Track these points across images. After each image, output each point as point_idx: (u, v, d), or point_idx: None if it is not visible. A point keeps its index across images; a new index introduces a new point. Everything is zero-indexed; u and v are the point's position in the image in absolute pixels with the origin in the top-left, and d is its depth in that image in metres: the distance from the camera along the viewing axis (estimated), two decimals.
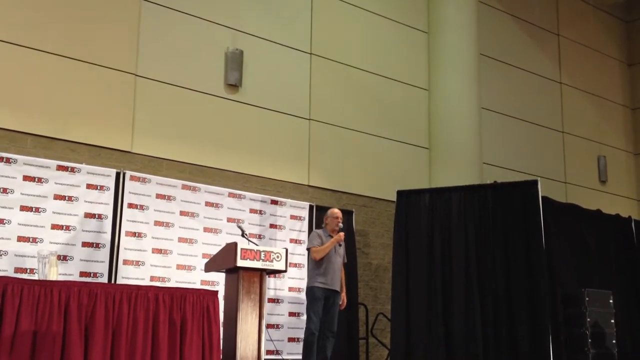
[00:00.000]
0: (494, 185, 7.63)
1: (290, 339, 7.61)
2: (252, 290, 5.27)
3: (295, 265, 7.78)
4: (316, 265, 6.70)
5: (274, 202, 7.87)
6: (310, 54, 8.89)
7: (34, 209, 6.27)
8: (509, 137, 10.86)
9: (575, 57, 12.36)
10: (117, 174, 6.79)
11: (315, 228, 7.65)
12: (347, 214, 8.31)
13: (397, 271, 7.67)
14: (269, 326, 7.13)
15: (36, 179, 6.32)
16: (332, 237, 6.81)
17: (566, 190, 11.43)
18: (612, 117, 12.85)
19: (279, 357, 7.31)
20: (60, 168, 6.48)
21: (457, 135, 9.60)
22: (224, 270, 5.50)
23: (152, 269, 6.83)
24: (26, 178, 6.26)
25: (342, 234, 6.80)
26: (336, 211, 7.00)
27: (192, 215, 7.21)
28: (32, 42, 6.77)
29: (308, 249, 6.89)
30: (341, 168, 8.92)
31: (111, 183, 6.73)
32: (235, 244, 5.23)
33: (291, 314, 7.70)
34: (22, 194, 6.23)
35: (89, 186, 6.60)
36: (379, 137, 9.34)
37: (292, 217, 7.99)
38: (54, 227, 6.35)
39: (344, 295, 6.91)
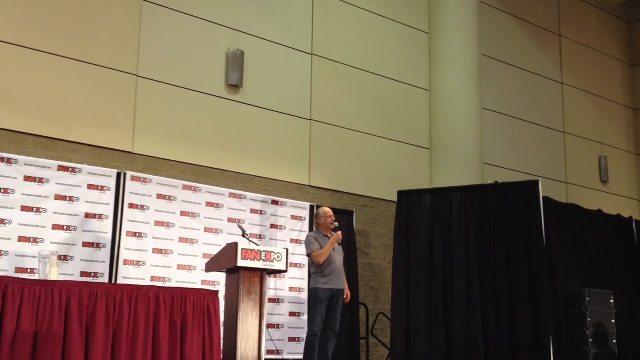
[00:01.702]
0: (495, 186, 7.62)
1: (291, 339, 7.62)
2: (253, 290, 5.28)
3: (295, 265, 7.78)
4: (319, 268, 6.65)
5: (275, 203, 7.87)
6: (312, 54, 8.90)
7: (34, 209, 6.27)
8: (510, 137, 10.85)
9: (577, 58, 12.35)
10: (118, 175, 6.79)
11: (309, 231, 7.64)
12: (347, 214, 8.33)
13: (397, 271, 7.67)
14: (269, 326, 7.13)
15: (37, 180, 6.33)
16: (327, 236, 6.78)
17: (567, 191, 11.42)
18: (614, 117, 12.83)
19: (280, 357, 7.32)
20: (61, 168, 6.49)
21: (458, 135, 9.59)
22: (225, 271, 5.52)
23: (152, 269, 6.84)
24: (27, 178, 6.27)
25: (340, 233, 6.76)
26: (327, 209, 6.96)
27: (193, 215, 7.22)
28: (33, 43, 6.79)
29: (308, 255, 6.78)
30: (342, 168, 8.93)
31: (112, 183, 6.73)
32: (236, 244, 5.25)
33: (292, 314, 7.71)
34: (23, 194, 6.24)
35: (90, 186, 6.60)
36: (380, 138, 9.34)
37: (293, 217, 7.99)
38: (55, 227, 6.35)
39: (346, 290, 6.87)
